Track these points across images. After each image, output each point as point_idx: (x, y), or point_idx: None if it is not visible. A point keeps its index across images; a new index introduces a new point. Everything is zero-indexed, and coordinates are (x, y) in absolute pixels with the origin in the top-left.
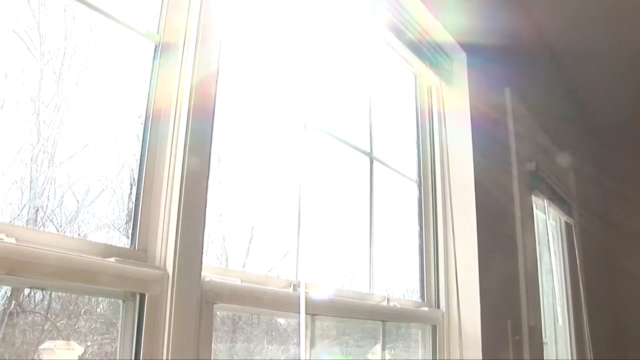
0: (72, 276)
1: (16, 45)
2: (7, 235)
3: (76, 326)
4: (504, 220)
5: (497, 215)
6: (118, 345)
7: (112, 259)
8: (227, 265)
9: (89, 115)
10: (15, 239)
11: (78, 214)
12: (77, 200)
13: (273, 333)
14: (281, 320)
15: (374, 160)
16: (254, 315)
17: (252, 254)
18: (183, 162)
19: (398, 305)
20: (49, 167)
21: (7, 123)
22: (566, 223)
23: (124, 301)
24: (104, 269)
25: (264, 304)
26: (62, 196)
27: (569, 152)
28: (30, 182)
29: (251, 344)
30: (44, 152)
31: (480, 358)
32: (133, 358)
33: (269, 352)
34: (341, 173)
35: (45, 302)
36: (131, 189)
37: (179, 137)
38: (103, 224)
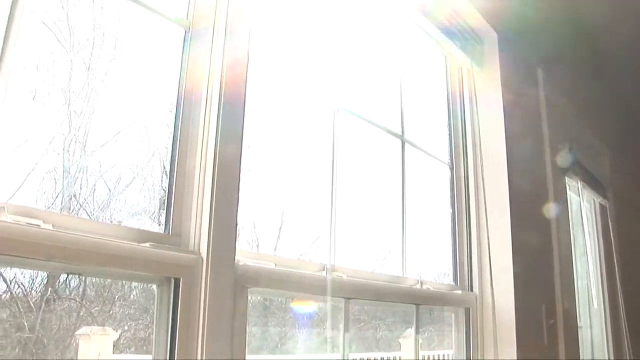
0: (108, 261)
1: (46, 37)
2: (44, 222)
3: (110, 312)
4: (537, 202)
5: (530, 197)
6: (154, 329)
7: (147, 244)
8: (258, 252)
9: (119, 104)
10: (52, 225)
11: (110, 201)
12: (109, 189)
13: (304, 318)
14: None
15: (406, 143)
16: (286, 300)
17: (282, 240)
18: (215, 147)
19: (431, 288)
20: (80, 156)
21: (39, 114)
22: (600, 205)
23: (158, 286)
24: (139, 254)
25: (298, 287)
26: (94, 184)
27: (602, 133)
28: (63, 171)
29: (283, 329)
30: (75, 141)
31: (515, 342)
32: (169, 341)
33: (300, 336)
34: (372, 156)
35: (80, 289)
36: (162, 176)
37: (210, 122)
38: (135, 212)
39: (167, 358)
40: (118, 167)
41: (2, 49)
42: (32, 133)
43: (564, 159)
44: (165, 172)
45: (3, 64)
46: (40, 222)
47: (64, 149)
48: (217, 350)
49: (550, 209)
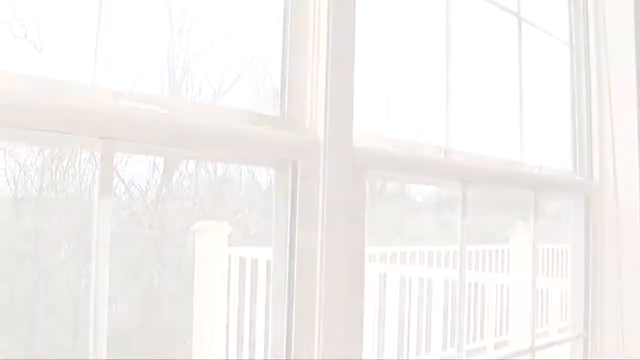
0: (226, 144)
1: None
2: (160, 107)
3: (222, 209)
4: None
5: None
6: (273, 213)
7: (264, 127)
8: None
9: (220, 5)
10: (169, 110)
11: (215, 102)
12: (214, 89)
13: (410, 213)
14: (419, 199)
15: (522, 22)
16: (403, 184)
17: (389, 127)
18: (328, 28)
19: (551, 173)
20: (184, 60)
21: (141, 20)
22: None
23: (276, 170)
24: (257, 136)
25: (416, 170)
26: (200, 86)
27: None
28: (169, 75)
29: (389, 221)
30: (178, 45)
31: (638, 233)
32: (288, 225)
33: (405, 228)
34: (488, 35)
35: (192, 190)
36: (265, 75)
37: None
38: (244, 110)
39: (288, 245)
40: (221, 69)
41: None
42: (136, 39)
43: None
44: (268, 72)
45: None
46: (157, 108)
47: (168, 54)
48: (337, 233)
49: None
